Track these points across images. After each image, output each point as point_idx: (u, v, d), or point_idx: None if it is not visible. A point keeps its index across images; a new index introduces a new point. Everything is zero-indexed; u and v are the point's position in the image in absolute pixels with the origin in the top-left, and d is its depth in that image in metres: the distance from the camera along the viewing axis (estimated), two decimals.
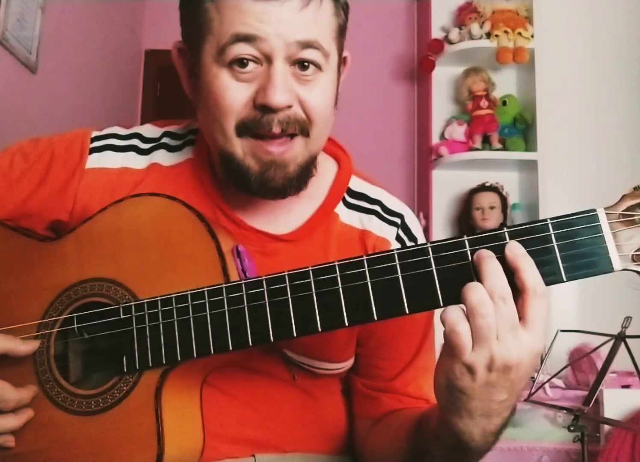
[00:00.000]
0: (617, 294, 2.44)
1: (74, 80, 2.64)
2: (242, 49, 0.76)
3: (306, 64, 0.78)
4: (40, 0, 2.23)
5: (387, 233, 0.91)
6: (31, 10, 2.18)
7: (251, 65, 0.77)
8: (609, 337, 1.69)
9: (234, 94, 0.78)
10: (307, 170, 0.83)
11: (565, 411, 1.79)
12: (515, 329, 0.61)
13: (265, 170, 0.80)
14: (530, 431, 2.08)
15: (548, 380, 1.89)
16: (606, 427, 1.97)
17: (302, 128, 0.80)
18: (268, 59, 0.77)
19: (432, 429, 0.73)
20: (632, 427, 1.86)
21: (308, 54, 0.78)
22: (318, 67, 0.79)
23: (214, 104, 0.79)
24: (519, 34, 2.83)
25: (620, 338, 1.65)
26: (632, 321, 1.65)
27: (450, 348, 0.62)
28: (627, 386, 2.08)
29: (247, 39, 0.76)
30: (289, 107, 0.78)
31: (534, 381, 1.86)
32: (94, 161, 0.90)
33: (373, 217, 0.92)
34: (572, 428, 1.67)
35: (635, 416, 1.92)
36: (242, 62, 0.77)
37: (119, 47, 3.21)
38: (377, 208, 0.93)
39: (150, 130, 0.95)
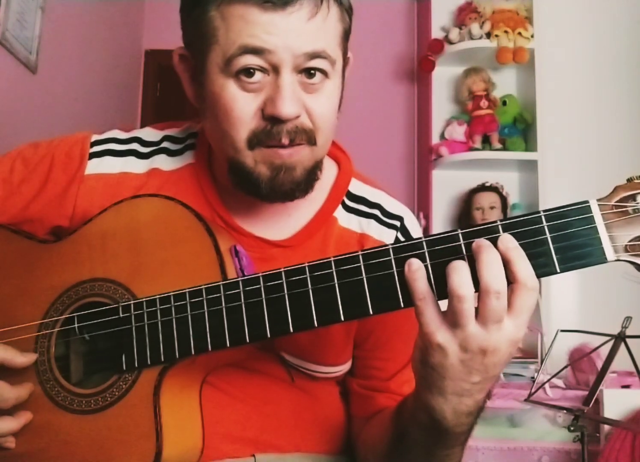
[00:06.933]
0: (617, 294, 2.45)
1: (74, 80, 2.64)
2: (249, 60, 0.76)
3: (313, 71, 0.78)
4: (40, 0, 2.23)
5: (386, 237, 0.91)
6: (31, 10, 2.18)
7: (258, 75, 0.77)
8: (609, 337, 1.69)
9: (242, 105, 0.77)
10: (313, 173, 0.83)
11: (565, 411, 1.79)
12: (501, 322, 0.61)
13: (276, 175, 0.80)
14: (530, 431, 2.08)
15: (548, 380, 1.89)
16: (606, 427, 1.97)
17: (309, 137, 0.80)
18: (275, 69, 0.77)
19: (409, 407, 0.74)
20: (632, 427, 1.86)
21: (315, 64, 0.78)
22: (325, 74, 0.79)
23: (223, 116, 0.79)
24: (519, 34, 2.83)
25: (620, 338, 1.65)
26: (632, 321, 1.65)
27: (420, 326, 0.63)
28: (627, 386, 2.08)
29: (255, 51, 0.75)
30: (297, 117, 0.78)
31: (534, 381, 1.86)
32: (94, 167, 0.90)
33: (372, 221, 0.92)
34: (572, 428, 1.67)
35: (635, 416, 1.92)
36: (248, 71, 0.76)
37: (119, 47, 3.21)
38: (377, 212, 0.93)
39: (150, 133, 0.95)
